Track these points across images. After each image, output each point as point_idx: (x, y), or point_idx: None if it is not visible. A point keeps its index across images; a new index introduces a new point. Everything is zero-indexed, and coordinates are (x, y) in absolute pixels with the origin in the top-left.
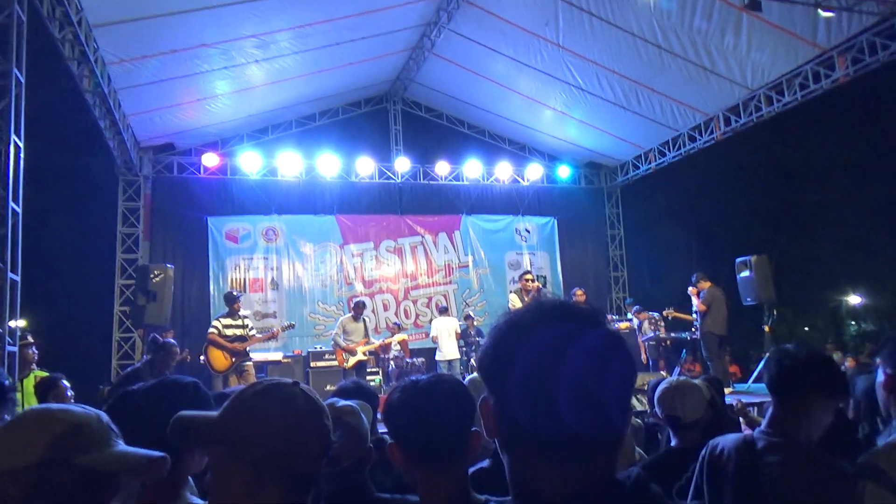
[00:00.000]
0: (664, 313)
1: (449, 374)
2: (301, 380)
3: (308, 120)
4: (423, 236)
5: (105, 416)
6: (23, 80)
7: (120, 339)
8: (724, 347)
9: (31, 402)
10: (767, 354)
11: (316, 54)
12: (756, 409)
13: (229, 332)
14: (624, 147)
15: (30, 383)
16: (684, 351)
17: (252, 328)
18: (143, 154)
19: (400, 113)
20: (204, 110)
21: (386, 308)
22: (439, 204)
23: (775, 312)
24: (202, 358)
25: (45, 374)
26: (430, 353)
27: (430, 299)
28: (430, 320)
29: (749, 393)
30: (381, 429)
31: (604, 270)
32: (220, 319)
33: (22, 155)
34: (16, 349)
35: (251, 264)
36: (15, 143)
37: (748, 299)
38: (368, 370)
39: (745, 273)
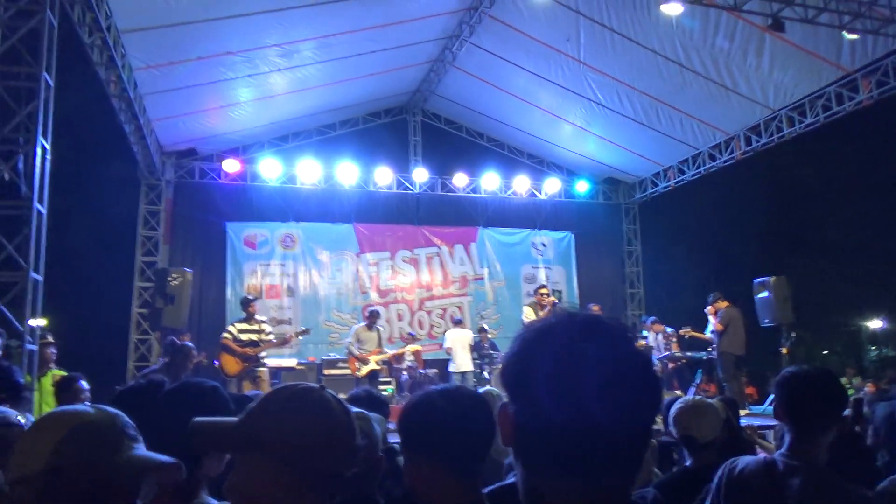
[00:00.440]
0: (681, 332)
1: (465, 386)
2: None
3: (328, 129)
4: (439, 247)
5: (124, 418)
6: (52, 84)
7: (137, 341)
8: (741, 368)
9: (49, 401)
10: (775, 380)
11: (338, 64)
12: (772, 432)
13: (244, 336)
14: (643, 164)
15: (48, 382)
16: (699, 371)
17: (270, 332)
18: (166, 159)
19: (419, 124)
20: (226, 117)
21: (400, 318)
22: (456, 215)
23: (793, 334)
24: (216, 363)
25: (63, 373)
26: (443, 364)
27: (444, 311)
28: (445, 332)
29: (766, 416)
30: (392, 439)
31: (620, 287)
32: (236, 324)
33: (48, 157)
34: (36, 348)
35: (268, 270)
36: (42, 145)
37: (766, 320)
38: (381, 380)
39: (764, 294)
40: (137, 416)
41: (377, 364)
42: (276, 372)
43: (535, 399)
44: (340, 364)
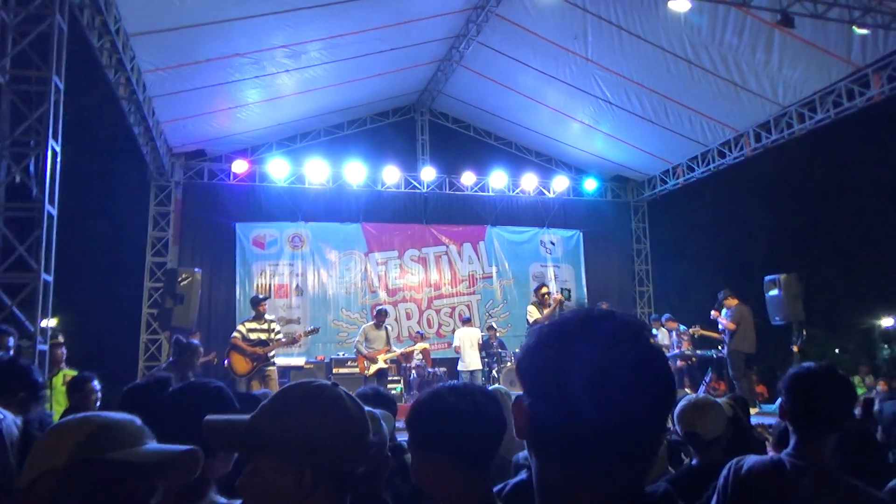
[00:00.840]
0: (691, 331)
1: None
2: None
3: (336, 129)
4: (447, 246)
5: (139, 420)
6: (62, 88)
7: (147, 341)
8: (752, 367)
9: (60, 400)
10: (782, 381)
11: (345, 65)
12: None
13: (253, 335)
14: (652, 161)
15: (59, 381)
16: (710, 369)
17: (279, 332)
18: (175, 160)
19: (427, 123)
20: (235, 118)
21: (409, 317)
22: (464, 214)
23: (805, 332)
24: (226, 362)
25: (73, 372)
26: (452, 363)
27: (453, 309)
28: (453, 330)
29: (776, 414)
30: (400, 437)
31: (629, 285)
32: (245, 323)
33: (59, 160)
34: (46, 348)
35: (277, 270)
36: (52, 147)
37: (777, 318)
38: (390, 379)
39: (774, 292)
40: (144, 413)
41: (386, 363)
42: (285, 371)
43: (550, 394)
44: (350, 363)
